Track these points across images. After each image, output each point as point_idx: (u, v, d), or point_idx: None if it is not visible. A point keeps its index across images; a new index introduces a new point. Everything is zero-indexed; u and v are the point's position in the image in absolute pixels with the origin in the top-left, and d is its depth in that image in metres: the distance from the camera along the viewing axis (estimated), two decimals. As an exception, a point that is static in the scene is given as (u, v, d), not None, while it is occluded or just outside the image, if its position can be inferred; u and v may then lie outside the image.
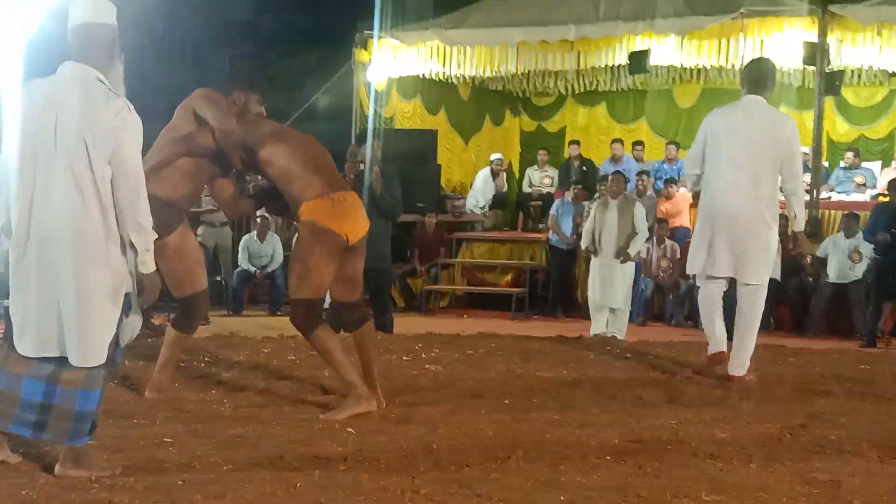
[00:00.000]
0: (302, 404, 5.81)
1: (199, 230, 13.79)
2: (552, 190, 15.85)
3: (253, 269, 13.37)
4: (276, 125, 5.90)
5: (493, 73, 15.23)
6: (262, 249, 13.48)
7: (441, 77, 15.54)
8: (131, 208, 4.20)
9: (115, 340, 4.24)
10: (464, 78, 15.94)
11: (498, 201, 16.39)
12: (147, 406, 5.58)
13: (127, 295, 4.26)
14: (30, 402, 4.22)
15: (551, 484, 4.17)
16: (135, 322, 4.45)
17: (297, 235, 5.80)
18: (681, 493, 4.08)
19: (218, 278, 13.47)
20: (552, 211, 13.97)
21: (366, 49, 15.08)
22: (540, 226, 15.41)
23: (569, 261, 13.76)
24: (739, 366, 6.87)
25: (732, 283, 6.99)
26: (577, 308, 13.34)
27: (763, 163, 6.77)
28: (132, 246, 4.21)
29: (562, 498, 3.97)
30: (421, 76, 15.58)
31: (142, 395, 5.88)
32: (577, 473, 4.36)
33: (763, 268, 6.87)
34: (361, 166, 9.04)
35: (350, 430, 5.07)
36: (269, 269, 13.42)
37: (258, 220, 13.32)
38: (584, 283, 11.84)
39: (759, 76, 6.95)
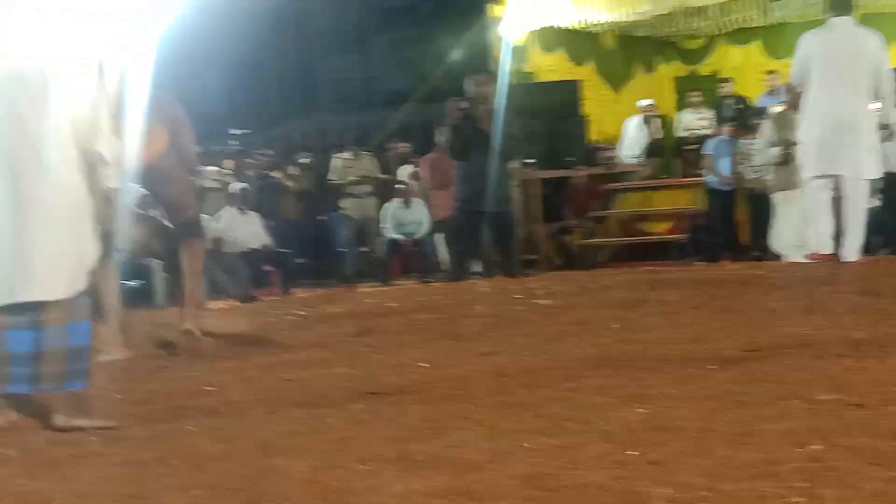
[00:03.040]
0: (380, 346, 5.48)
1: (345, 202, 13.73)
2: (709, 132, 15.07)
3: (399, 236, 13.14)
4: None
5: (635, 15, 14.54)
6: (408, 216, 13.24)
7: (583, 25, 14.95)
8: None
9: None
10: (607, 26, 15.31)
11: (653, 149, 15.68)
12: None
13: None
14: (19, 354, 3.84)
15: (633, 398, 3.70)
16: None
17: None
18: (790, 394, 3.56)
19: (366, 249, 13.35)
20: (707, 150, 13.28)
21: (499, 4, 14.63)
22: (699, 171, 14.68)
23: (729, 202, 13.03)
24: (854, 252, 7.40)
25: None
26: (741, 251, 12.63)
27: (856, 74, 7.48)
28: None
29: (639, 410, 3.50)
30: (560, 27, 15.02)
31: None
32: (667, 385, 3.88)
33: (868, 164, 7.56)
34: (462, 104, 8.77)
35: (423, 364, 4.75)
36: (416, 236, 13.16)
37: (398, 186, 13.11)
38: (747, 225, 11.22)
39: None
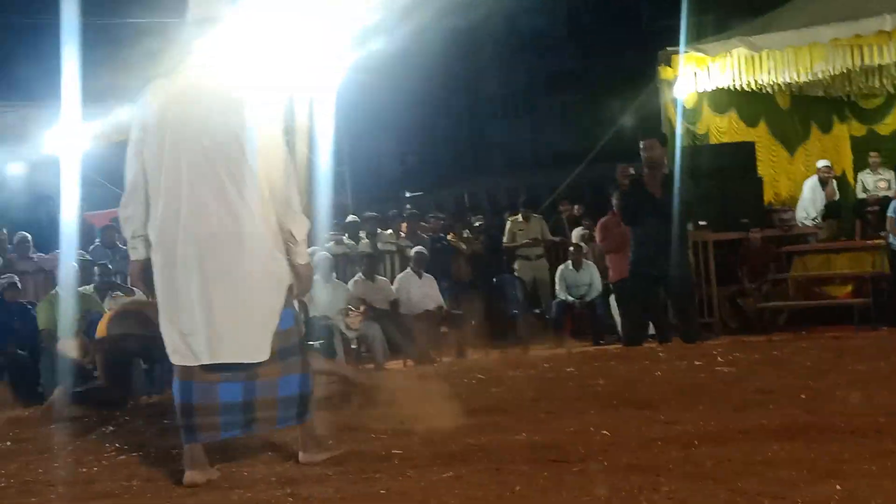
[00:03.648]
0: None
1: (516, 264, 13.80)
2: (889, 193, 14.62)
3: (571, 299, 13.13)
4: None
5: (808, 76, 14.26)
6: (579, 279, 13.23)
7: (754, 87, 14.73)
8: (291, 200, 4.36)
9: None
10: (779, 86, 15.04)
11: (831, 210, 15.27)
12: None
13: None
14: (230, 404, 4.32)
15: (828, 473, 3.65)
16: None
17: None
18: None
19: (537, 311, 13.37)
20: (890, 213, 12.86)
21: (670, 66, 14.58)
22: (880, 232, 14.22)
23: (916, 265, 12.57)
24: None
25: None
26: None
27: None
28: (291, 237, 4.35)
29: (837, 486, 3.42)
30: (732, 88, 14.85)
31: None
32: (864, 460, 3.82)
33: None
34: (631, 170, 8.74)
35: (605, 431, 4.77)
36: (587, 298, 13.12)
37: (571, 248, 13.13)
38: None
39: None
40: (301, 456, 4.51)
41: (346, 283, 11.81)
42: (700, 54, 14.35)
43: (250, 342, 4.28)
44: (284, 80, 4.46)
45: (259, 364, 4.30)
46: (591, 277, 13.24)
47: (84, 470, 4.76)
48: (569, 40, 36.38)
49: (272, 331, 4.31)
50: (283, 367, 4.36)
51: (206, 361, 4.26)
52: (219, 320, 4.24)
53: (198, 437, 4.35)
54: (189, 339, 4.26)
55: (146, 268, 4.44)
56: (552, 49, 35.74)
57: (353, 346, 11.11)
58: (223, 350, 4.27)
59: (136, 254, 4.51)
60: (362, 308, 10.88)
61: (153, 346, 6.30)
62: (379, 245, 13.02)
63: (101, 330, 6.83)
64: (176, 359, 4.31)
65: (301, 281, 4.43)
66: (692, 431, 4.66)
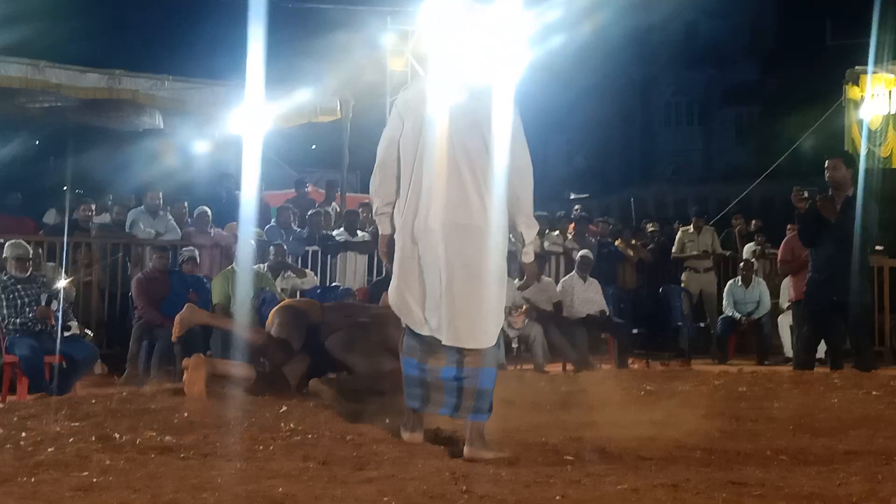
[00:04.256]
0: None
1: (683, 276, 13.58)
2: None
3: (738, 315, 12.85)
4: None
5: None
6: (748, 295, 12.94)
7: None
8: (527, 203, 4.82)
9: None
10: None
11: None
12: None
13: None
14: (450, 387, 4.79)
15: None
16: None
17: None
18: None
19: (702, 325, 13.14)
20: None
21: (857, 86, 14.13)
22: None
23: None
24: None
25: None
26: None
27: None
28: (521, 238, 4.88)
29: None
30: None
31: None
32: None
33: None
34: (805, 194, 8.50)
35: (783, 457, 4.69)
36: (754, 316, 12.82)
37: (742, 264, 12.88)
38: None
39: None
40: (466, 451, 4.64)
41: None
42: (890, 76, 13.90)
43: (480, 329, 4.71)
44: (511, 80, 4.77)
45: (471, 353, 4.71)
46: (759, 295, 12.95)
47: (261, 448, 4.87)
48: (750, 52, 35.61)
49: (500, 322, 4.79)
50: (485, 360, 4.73)
51: (442, 340, 4.75)
52: (457, 307, 4.69)
53: (420, 407, 4.92)
54: (428, 317, 4.80)
55: (390, 242, 4.96)
56: (731, 59, 35.07)
57: (513, 346, 11.09)
58: (458, 334, 4.72)
59: (382, 229, 5.04)
60: (524, 307, 10.85)
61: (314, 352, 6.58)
62: (545, 245, 12.97)
63: (270, 320, 7.05)
64: (418, 328, 4.86)
65: (527, 278, 4.93)
66: (873, 465, 4.49)
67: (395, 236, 4.88)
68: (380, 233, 5.06)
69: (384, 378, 6.34)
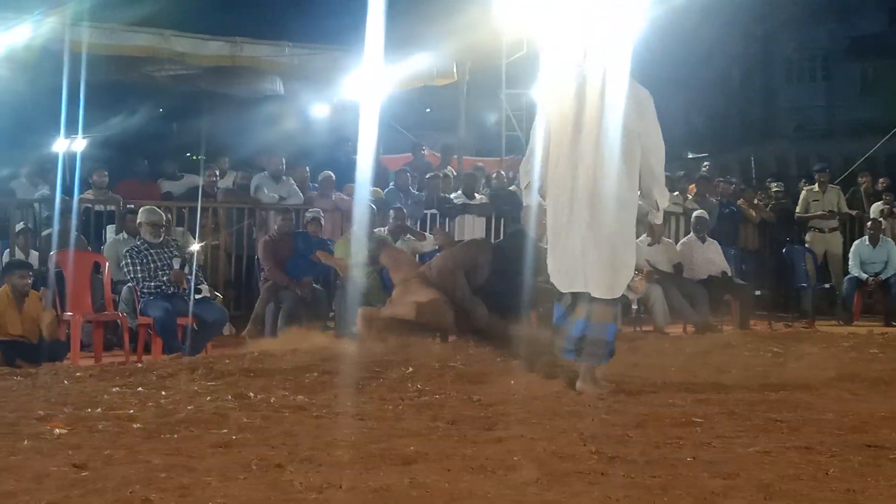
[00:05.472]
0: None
1: (807, 236, 13.32)
2: None
3: (864, 275, 12.55)
4: None
5: None
6: (875, 255, 12.63)
7: None
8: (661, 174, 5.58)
9: None
10: None
11: None
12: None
13: None
14: (573, 337, 5.53)
15: None
16: None
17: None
18: None
19: (827, 286, 12.87)
20: None
21: None
22: None
23: None
24: None
25: None
26: None
27: None
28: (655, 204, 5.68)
29: None
30: None
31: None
32: None
33: None
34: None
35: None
36: (882, 277, 12.52)
37: (869, 223, 12.57)
38: None
39: None
40: (578, 384, 5.46)
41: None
42: None
43: (612, 282, 5.47)
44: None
45: (600, 305, 5.44)
46: (888, 255, 12.63)
47: (390, 408, 4.97)
48: (875, 3, 34.43)
49: (628, 279, 5.55)
50: (607, 315, 5.48)
51: (580, 289, 5.49)
52: (591, 262, 5.43)
53: (569, 356, 5.60)
54: (569, 273, 5.52)
55: (534, 211, 5.78)
56: (856, 11, 33.93)
57: (633, 307, 11.02)
58: (593, 286, 5.45)
59: (527, 200, 5.90)
60: (645, 270, 10.75)
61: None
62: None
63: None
64: (561, 286, 5.59)
65: (655, 237, 6.21)
66: None
67: (547, 204, 5.65)
68: (524, 203, 5.95)
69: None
